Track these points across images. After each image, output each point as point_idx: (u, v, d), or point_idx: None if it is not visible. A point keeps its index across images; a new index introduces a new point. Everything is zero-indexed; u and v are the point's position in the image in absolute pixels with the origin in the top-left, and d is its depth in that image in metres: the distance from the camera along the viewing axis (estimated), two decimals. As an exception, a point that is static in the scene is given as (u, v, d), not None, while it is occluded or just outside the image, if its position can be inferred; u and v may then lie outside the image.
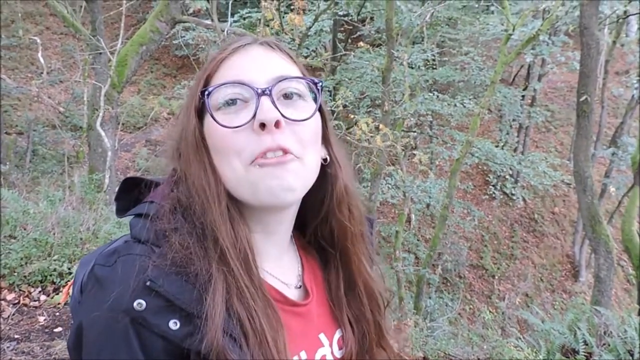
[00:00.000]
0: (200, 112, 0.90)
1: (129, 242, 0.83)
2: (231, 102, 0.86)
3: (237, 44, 0.92)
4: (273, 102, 0.84)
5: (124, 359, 0.75)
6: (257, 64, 0.89)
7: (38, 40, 11.53)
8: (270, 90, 0.85)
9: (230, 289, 0.80)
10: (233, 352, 0.76)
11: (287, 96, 0.88)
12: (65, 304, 4.25)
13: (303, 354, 0.90)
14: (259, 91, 0.84)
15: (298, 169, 0.86)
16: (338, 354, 0.98)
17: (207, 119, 0.88)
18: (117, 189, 0.93)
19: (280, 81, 0.87)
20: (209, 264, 0.80)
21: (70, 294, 0.97)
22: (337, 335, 0.99)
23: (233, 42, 0.93)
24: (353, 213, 0.99)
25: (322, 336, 0.96)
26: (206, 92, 0.87)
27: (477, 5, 11.19)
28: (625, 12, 9.19)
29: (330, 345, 0.97)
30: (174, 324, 0.75)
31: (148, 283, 0.75)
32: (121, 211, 0.92)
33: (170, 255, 0.78)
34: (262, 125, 0.83)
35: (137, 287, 0.75)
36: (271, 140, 0.83)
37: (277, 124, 0.83)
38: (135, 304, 0.74)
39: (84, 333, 0.78)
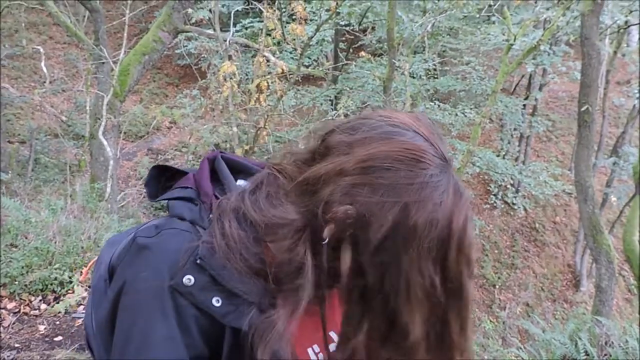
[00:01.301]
0: None
1: (169, 219, 0.86)
2: None
3: None
4: None
5: (158, 327, 0.76)
6: None
7: (41, 50, 11.62)
8: None
9: None
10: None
11: None
12: (64, 313, 4.25)
13: (315, 348, 0.92)
14: None
15: None
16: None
17: None
18: (146, 175, 0.97)
19: None
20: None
21: (92, 273, 0.98)
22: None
23: None
24: None
25: (332, 333, 0.96)
26: None
27: (478, 16, 11.21)
28: (626, 22, 9.20)
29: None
30: (216, 301, 0.78)
31: (198, 261, 0.78)
32: (152, 196, 0.95)
33: (220, 238, 0.81)
34: None
35: (187, 263, 0.78)
36: None
37: None
38: (184, 279, 0.77)
39: (126, 289, 0.80)
